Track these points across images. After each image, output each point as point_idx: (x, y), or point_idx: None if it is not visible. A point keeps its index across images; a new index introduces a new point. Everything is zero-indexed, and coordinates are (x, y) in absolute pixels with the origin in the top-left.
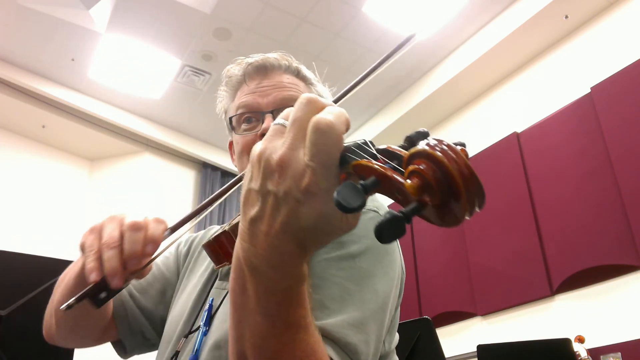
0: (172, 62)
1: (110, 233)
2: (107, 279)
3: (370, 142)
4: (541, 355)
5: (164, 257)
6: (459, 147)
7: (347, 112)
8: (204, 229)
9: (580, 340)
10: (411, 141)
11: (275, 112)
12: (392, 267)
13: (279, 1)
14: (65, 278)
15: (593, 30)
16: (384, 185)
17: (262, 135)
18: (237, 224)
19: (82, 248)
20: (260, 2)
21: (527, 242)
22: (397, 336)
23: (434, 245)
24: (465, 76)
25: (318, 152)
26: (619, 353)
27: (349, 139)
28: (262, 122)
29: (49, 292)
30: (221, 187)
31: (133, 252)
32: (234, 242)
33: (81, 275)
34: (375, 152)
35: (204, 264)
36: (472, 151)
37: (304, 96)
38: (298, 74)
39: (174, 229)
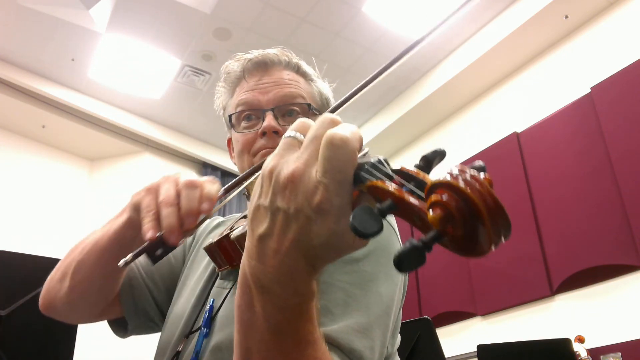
0: (172, 62)
1: (167, 191)
2: (164, 235)
3: (385, 160)
4: (541, 355)
5: None
6: (482, 174)
7: (347, 112)
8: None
9: (580, 340)
10: (427, 161)
11: (276, 110)
12: (395, 270)
13: (279, 1)
14: (95, 237)
15: (593, 30)
16: (402, 209)
17: (263, 133)
18: (242, 235)
19: (137, 207)
20: (260, 2)
21: (527, 242)
22: (399, 337)
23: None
24: (465, 76)
25: (332, 168)
26: (619, 353)
27: None
28: (263, 120)
29: None
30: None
31: (190, 209)
32: (236, 248)
33: (121, 234)
34: (390, 172)
35: (206, 259)
36: (472, 151)
37: (327, 116)
38: (298, 70)
39: (228, 189)
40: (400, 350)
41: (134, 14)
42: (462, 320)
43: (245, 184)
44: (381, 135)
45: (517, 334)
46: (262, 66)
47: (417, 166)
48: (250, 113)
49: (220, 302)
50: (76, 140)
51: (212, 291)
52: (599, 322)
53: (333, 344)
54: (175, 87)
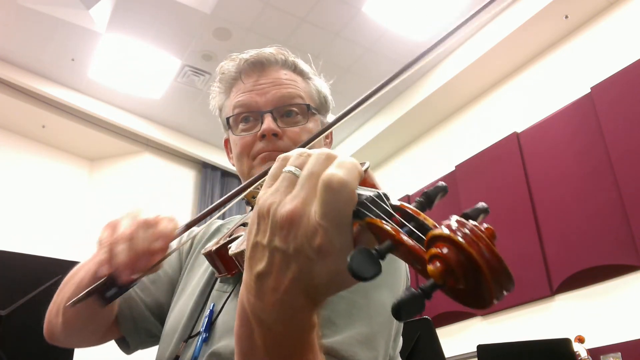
0: (172, 62)
1: (123, 229)
2: (115, 273)
3: (385, 194)
4: (541, 355)
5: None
6: (484, 227)
7: None
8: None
9: (580, 340)
10: (429, 197)
11: (274, 111)
12: (397, 275)
13: (279, 1)
14: (77, 274)
15: (593, 30)
16: (401, 252)
17: (262, 136)
18: (240, 253)
19: (99, 242)
20: (260, 2)
21: (527, 242)
22: (401, 340)
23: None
24: (465, 76)
25: (331, 211)
26: (619, 353)
27: (347, 140)
28: (261, 122)
29: (49, 292)
30: (221, 188)
31: (142, 247)
32: (236, 261)
33: (97, 271)
34: (390, 209)
35: (206, 262)
36: (472, 151)
37: (323, 151)
38: (295, 69)
39: (189, 225)
40: (400, 351)
41: (134, 14)
42: (462, 320)
43: (216, 215)
44: (381, 135)
45: (517, 334)
46: (259, 66)
47: (419, 202)
48: (248, 115)
49: (220, 306)
50: (76, 140)
51: (212, 295)
52: (599, 322)
53: (337, 356)
54: (175, 87)
